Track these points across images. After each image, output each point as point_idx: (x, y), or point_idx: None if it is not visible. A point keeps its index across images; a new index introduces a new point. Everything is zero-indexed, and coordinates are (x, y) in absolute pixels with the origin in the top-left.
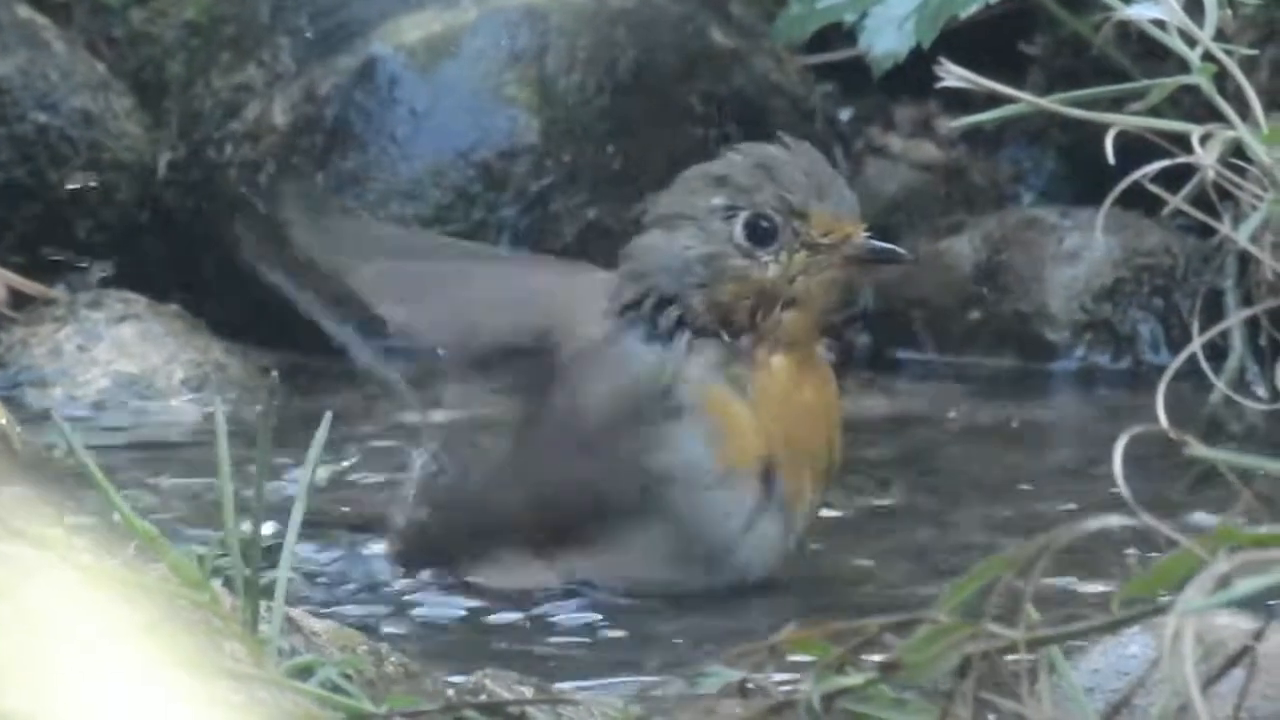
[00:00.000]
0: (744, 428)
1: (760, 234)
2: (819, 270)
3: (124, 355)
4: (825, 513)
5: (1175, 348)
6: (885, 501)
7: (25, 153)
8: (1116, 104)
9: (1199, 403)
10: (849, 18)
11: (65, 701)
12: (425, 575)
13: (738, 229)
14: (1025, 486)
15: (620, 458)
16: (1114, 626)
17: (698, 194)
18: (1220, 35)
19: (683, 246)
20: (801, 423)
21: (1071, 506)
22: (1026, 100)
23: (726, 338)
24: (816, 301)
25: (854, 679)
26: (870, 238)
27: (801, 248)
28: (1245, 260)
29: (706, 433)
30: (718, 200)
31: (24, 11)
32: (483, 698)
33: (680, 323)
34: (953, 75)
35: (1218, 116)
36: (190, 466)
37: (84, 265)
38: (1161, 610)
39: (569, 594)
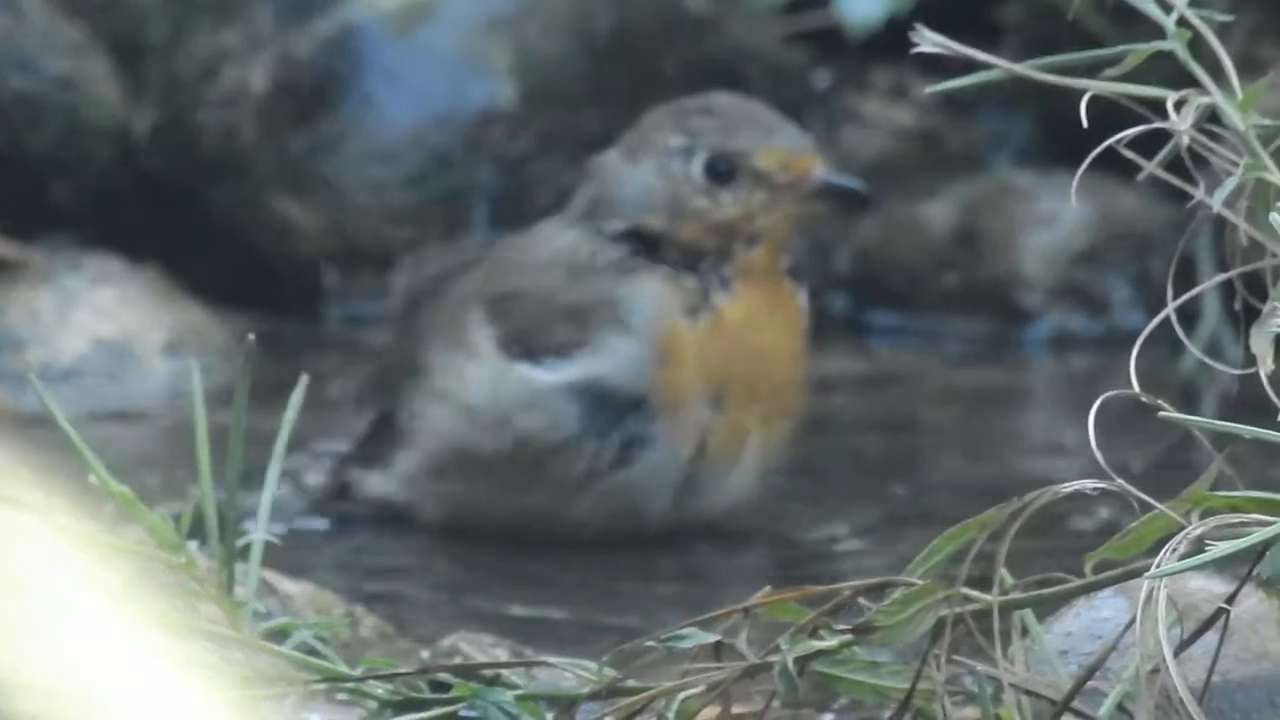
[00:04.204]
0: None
1: (719, 174)
2: (778, 207)
3: (102, 319)
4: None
5: (1150, 312)
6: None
7: (3, 117)
8: (1092, 70)
9: (1173, 367)
10: None
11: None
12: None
13: (696, 169)
14: (1000, 450)
15: None
16: (1087, 590)
17: (658, 131)
18: (1195, 0)
19: (644, 181)
20: (752, 362)
21: (1045, 470)
22: (1002, 66)
23: (686, 272)
24: (778, 237)
25: (828, 642)
26: (829, 172)
27: (759, 186)
28: (1220, 225)
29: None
30: (676, 141)
31: None
32: (457, 660)
33: (636, 250)
34: (928, 41)
35: (1193, 82)
36: (167, 429)
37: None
38: (1135, 574)
39: (543, 556)
